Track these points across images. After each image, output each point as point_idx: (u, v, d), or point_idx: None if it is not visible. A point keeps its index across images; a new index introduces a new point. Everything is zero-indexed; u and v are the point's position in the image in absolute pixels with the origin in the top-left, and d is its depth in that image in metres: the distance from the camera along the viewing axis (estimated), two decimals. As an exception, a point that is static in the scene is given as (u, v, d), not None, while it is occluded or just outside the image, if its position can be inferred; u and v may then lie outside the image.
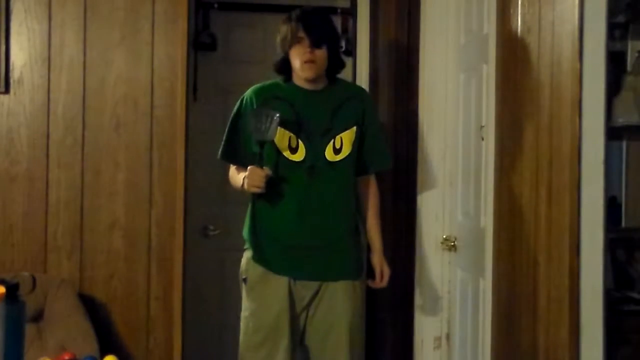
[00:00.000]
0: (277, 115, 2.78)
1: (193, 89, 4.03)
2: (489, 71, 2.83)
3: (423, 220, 3.50)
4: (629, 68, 2.89)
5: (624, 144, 2.99)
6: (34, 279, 2.71)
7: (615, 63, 2.78)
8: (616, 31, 2.89)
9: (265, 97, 2.93)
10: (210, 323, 4.21)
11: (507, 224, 2.65)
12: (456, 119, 3.35)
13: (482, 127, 2.95)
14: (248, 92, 2.98)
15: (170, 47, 3.33)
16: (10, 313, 1.88)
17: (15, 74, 3.28)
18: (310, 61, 2.87)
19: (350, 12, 4.13)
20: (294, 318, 2.87)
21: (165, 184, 3.32)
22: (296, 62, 2.89)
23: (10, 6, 3.27)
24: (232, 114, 2.97)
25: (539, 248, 2.42)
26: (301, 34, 2.88)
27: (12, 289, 1.89)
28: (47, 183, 3.29)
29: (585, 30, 2.18)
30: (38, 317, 3.05)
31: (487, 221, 2.80)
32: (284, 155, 2.88)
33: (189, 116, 3.39)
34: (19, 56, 3.28)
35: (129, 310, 3.32)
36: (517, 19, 2.58)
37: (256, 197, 2.90)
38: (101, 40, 3.32)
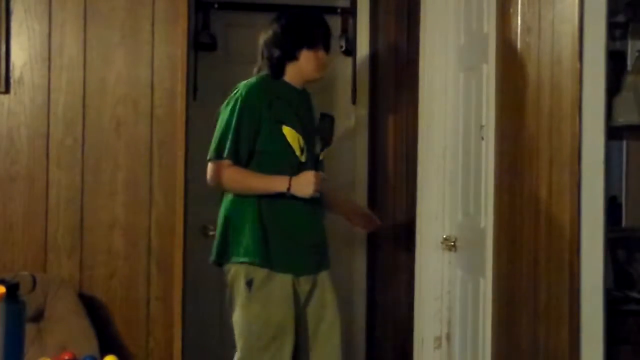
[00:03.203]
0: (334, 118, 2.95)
1: (193, 89, 4.03)
2: (489, 71, 2.83)
3: (423, 220, 3.50)
4: (629, 68, 2.89)
5: (624, 144, 2.99)
6: (34, 279, 2.70)
7: (615, 63, 2.78)
8: (616, 31, 2.89)
9: (270, 96, 2.94)
10: (210, 323, 4.21)
11: (507, 224, 2.65)
12: (456, 119, 3.35)
13: (482, 127, 2.95)
14: (250, 90, 2.92)
15: (170, 47, 3.32)
16: (10, 313, 1.88)
17: (15, 74, 3.28)
18: (324, 64, 2.99)
19: (350, 12, 4.13)
20: (297, 314, 2.92)
21: (165, 184, 3.32)
22: (311, 63, 2.96)
23: (10, 6, 3.26)
24: (233, 114, 2.90)
25: (539, 248, 2.42)
26: (325, 38, 3.00)
27: (12, 289, 1.89)
28: (47, 183, 3.29)
29: (585, 30, 2.19)
30: (38, 317, 3.05)
31: (487, 221, 2.80)
32: (296, 156, 2.94)
33: (189, 116, 3.39)
34: (19, 56, 3.28)
35: (129, 310, 3.31)
36: (517, 19, 2.58)
37: (265, 198, 2.89)
38: (101, 40, 3.32)
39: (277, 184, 2.88)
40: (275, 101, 2.93)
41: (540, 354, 2.40)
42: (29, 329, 2.59)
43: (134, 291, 3.31)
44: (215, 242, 3.01)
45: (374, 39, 3.98)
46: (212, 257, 3.02)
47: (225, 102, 2.97)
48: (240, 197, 2.92)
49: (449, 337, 3.42)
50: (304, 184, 2.87)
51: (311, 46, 2.96)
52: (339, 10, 4.24)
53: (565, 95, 2.26)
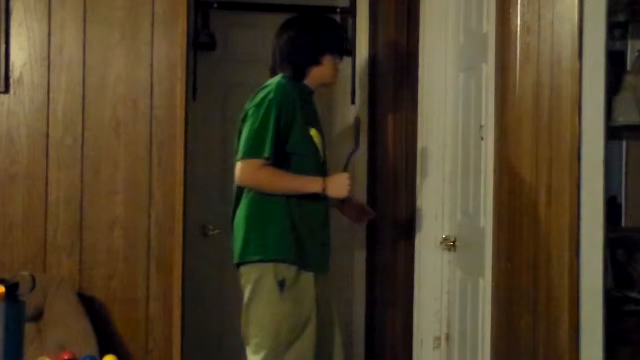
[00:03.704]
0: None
1: (193, 89, 4.03)
2: (489, 71, 2.83)
3: (423, 220, 3.50)
4: (629, 68, 2.89)
5: (624, 144, 2.99)
6: (33, 279, 2.70)
7: (615, 63, 2.78)
8: (616, 31, 2.88)
9: (299, 98, 2.96)
10: (210, 323, 4.21)
11: (507, 224, 2.65)
12: (456, 119, 3.35)
13: (482, 127, 2.96)
14: (283, 92, 2.91)
15: (170, 47, 3.32)
16: (10, 313, 1.88)
17: (15, 74, 3.28)
18: (339, 70, 3.11)
19: (350, 12, 4.13)
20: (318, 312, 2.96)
21: (165, 184, 3.32)
22: (331, 69, 3.05)
23: (10, 6, 3.26)
24: (269, 115, 2.87)
25: (539, 248, 2.42)
26: (344, 45, 3.16)
27: (12, 289, 1.89)
28: (47, 183, 3.29)
29: (585, 30, 2.19)
30: (38, 316, 3.05)
31: (487, 221, 2.80)
32: (320, 157, 3.01)
33: (189, 116, 3.39)
34: (19, 56, 3.28)
35: (128, 310, 3.31)
36: (517, 19, 2.58)
37: (293, 198, 2.91)
38: (101, 40, 3.32)
39: (312, 185, 2.91)
40: (303, 104, 2.97)
41: (540, 354, 2.40)
42: (29, 328, 2.59)
43: (134, 291, 3.31)
44: (238, 243, 2.95)
45: (373, 39, 3.98)
46: (237, 258, 2.97)
47: (256, 102, 2.92)
48: (267, 197, 2.90)
49: (448, 337, 3.42)
50: (340, 186, 2.92)
51: (333, 52, 3.05)
52: (338, 10, 4.23)
53: (565, 95, 2.26)
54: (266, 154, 2.83)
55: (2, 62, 3.25)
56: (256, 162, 2.84)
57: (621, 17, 2.86)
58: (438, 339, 3.45)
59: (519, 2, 2.57)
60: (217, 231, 4.21)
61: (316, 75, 3.04)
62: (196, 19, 4.09)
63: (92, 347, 2.92)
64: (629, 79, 2.77)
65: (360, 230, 3.89)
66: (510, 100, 2.63)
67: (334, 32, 3.12)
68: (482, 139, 2.93)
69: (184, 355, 3.32)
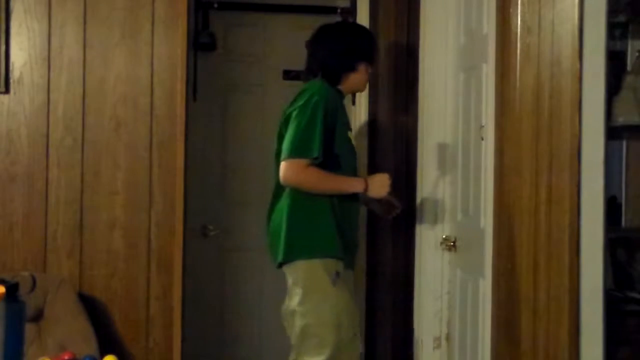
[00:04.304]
0: None
1: (193, 89, 4.03)
2: (489, 71, 2.83)
3: (423, 220, 3.50)
4: (629, 68, 2.89)
5: (624, 143, 2.99)
6: (34, 279, 2.71)
7: (615, 63, 2.78)
8: (616, 31, 2.88)
9: (339, 101, 3.06)
10: (210, 323, 4.21)
11: (507, 224, 2.65)
12: (456, 119, 3.35)
13: (482, 127, 2.95)
14: (327, 94, 2.95)
15: (170, 47, 3.33)
16: (10, 313, 1.88)
17: (15, 74, 3.28)
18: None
19: (350, 12, 4.13)
20: None
21: (165, 184, 3.32)
22: (364, 76, 3.14)
23: (10, 6, 3.27)
24: (315, 116, 2.89)
25: (539, 248, 2.42)
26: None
27: (12, 289, 1.89)
28: (47, 183, 3.29)
29: (585, 30, 2.18)
30: (38, 317, 3.05)
31: (487, 221, 2.80)
32: (355, 158, 3.11)
33: (189, 116, 3.39)
34: (19, 56, 3.28)
35: (128, 310, 3.31)
36: (517, 19, 2.58)
37: (336, 197, 2.95)
38: (101, 40, 3.32)
39: (354, 185, 2.97)
40: (342, 106, 3.06)
41: (540, 354, 2.40)
42: (29, 328, 2.59)
43: (134, 291, 3.31)
44: (281, 242, 2.94)
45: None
46: (280, 258, 2.96)
47: (300, 104, 2.92)
48: (311, 196, 2.92)
49: (448, 337, 3.42)
50: (381, 186, 2.99)
51: (367, 60, 3.13)
52: (339, 10, 4.24)
53: (565, 95, 2.26)
54: (314, 154, 2.85)
55: (2, 62, 3.25)
56: (302, 162, 2.85)
57: (621, 17, 2.85)
58: (438, 339, 3.45)
59: (519, 2, 2.57)
60: (217, 231, 4.22)
61: (350, 81, 3.10)
62: (196, 19, 4.09)
63: (92, 347, 2.92)
64: (629, 79, 2.77)
65: (360, 230, 3.89)
66: (510, 100, 2.63)
67: (369, 40, 3.20)
68: (482, 139, 2.93)
69: (184, 355, 3.32)
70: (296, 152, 2.86)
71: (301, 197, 2.93)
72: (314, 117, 2.88)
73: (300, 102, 2.93)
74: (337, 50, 3.08)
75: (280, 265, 2.99)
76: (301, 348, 2.93)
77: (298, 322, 2.92)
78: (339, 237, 2.95)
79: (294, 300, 2.95)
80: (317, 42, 3.13)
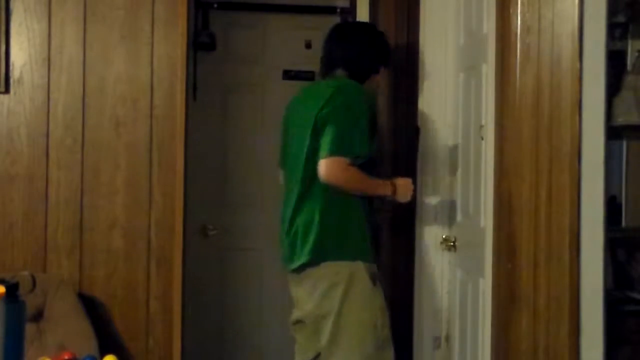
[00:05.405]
0: None
1: (193, 88, 4.03)
2: (489, 71, 2.83)
3: (423, 220, 3.50)
4: (629, 68, 2.89)
5: (624, 143, 2.98)
6: (33, 279, 2.72)
7: (615, 63, 2.78)
8: (616, 31, 2.88)
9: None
10: (210, 323, 4.21)
11: (507, 224, 2.65)
12: (456, 119, 3.35)
13: (482, 127, 2.95)
14: (362, 94, 2.96)
15: (170, 47, 3.32)
16: (10, 313, 1.88)
17: (15, 74, 3.28)
18: None
19: (350, 12, 4.13)
20: None
21: (164, 184, 3.32)
22: (379, 79, 3.24)
23: (10, 6, 3.27)
24: (360, 114, 2.89)
25: (539, 248, 2.42)
26: None
27: (12, 289, 1.89)
28: (47, 183, 3.29)
29: (585, 30, 2.18)
30: (38, 316, 3.05)
31: (487, 221, 2.80)
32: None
33: (189, 116, 3.39)
34: (19, 56, 3.28)
35: (128, 310, 3.31)
36: (517, 19, 2.58)
37: (364, 199, 2.95)
38: (101, 40, 3.32)
39: (383, 188, 2.98)
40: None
41: (540, 354, 2.40)
42: (29, 328, 2.59)
43: (134, 291, 3.31)
44: (310, 242, 2.89)
45: (373, 39, 3.97)
46: (305, 258, 2.90)
47: (339, 102, 2.90)
48: (345, 197, 2.89)
49: (448, 337, 3.42)
50: (406, 191, 3.02)
51: (387, 64, 3.24)
52: (338, 10, 4.24)
53: (565, 95, 2.26)
54: (359, 152, 2.85)
55: (2, 62, 3.25)
56: (343, 160, 2.83)
57: (621, 17, 2.85)
58: (438, 339, 3.45)
59: (519, 2, 2.57)
60: (216, 231, 4.22)
61: (371, 82, 3.16)
62: (196, 19, 4.09)
63: (92, 347, 2.92)
64: (629, 79, 2.77)
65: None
66: (510, 100, 2.63)
67: (388, 44, 3.27)
68: (482, 139, 2.93)
69: (184, 355, 3.32)
70: (339, 150, 2.83)
71: (335, 198, 2.89)
72: (359, 116, 2.88)
73: (338, 101, 2.90)
74: (370, 51, 3.12)
75: (302, 267, 2.91)
76: (336, 349, 2.88)
77: (333, 323, 2.87)
78: (370, 240, 2.96)
79: (328, 303, 2.87)
80: (345, 41, 3.13)
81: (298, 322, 3.04)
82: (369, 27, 3.36)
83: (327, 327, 2.88)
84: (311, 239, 2.88)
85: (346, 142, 2.85)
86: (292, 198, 2.96)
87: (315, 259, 2.89)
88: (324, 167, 2.82)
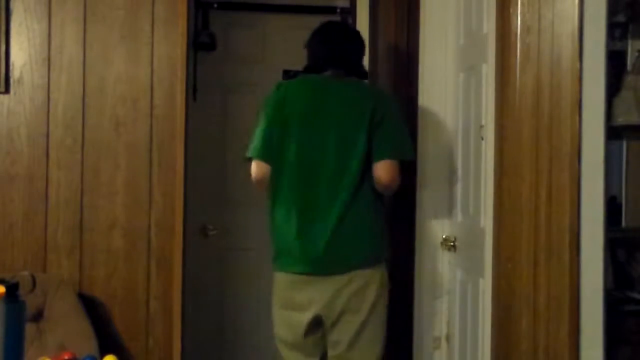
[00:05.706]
0: None
1: (193, 89, 4.03)
2: (489, 71, 2.83)
3: (423, 220, 3.50)
4: (629, 68, 2.89)
5: (624, 143, 2.98)
6: (33, 279, 2.71)
7: (615, 63, 2.78)
8: (616, 31, 2.88)
9: None
10: (210, 323, 4.21)
11: (507, 224, 2.65)
12: (456, 119, 3.35)
13: (482, 127, 2.95)
14: None
15: (170, 47, 3.33)
16: (10, 313, 1.88)
17: (15, 74, 3.28)
18: None
19: (350, 12, 4.13)
20: None
21: (164, 184, 3.32)
22: None
23: (10, 6, 3.27)
24: (402, 118, 3.03)
25: (539, 248, 2.42)
26: None
27: (12, 289, 1.89)
28: (47, 183, 3.29)
29: (585, 30, 2.18)
30: (38, 316, 3.05)
31: (487, 221, 2.80)
32: None
33: (189, 116, 3.39)
34: (19, 56, 3.28)
35: (128, 309, 3.32)
36: (517, 19, 2.58)
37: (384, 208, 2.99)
38: (101, 40, 3.32)
39: None
40: None
41: (540, 354, 2.40)
42: (29, 328, 2.59)
43: (134, 291, 3.32)
44: (365, 245, 2.91)
45: (373, 39, 3.98)
46: (362, 259, 2.89)
47: (389, 105, 2.96)
48: (379, 197, 2.95)
49: (448, 337, 3.42)
50: None
51: None
52: (338, 10, 4.24)
53: (565, 95, 2.26)
54: (412, 156, 2.99)
55: (2, 62, 3.25)
56: (397, 164, 2.92)
57: (621, 17, 2.85)
58: (438, 339, 3.45)
59: (519, 2, 2.57)
60: (216, 231, 4.22)
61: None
62: (196, 19, 4.09)
63: (92, 347, 2.92)
64: (629, 79, 2.77)
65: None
66: (510, 100, 2.63)
67: None
68: (482, 139, 2.93)
69: (184, 355, 3.32)
70: (397, 153, 2.91)
71: (374, 199, 2.92)
72: (403, 119, 3.00)
73: (387, 103, 2.97)
74: (363, 52, 3.16)
75: (350, 269, 2.88)
76: (358, 344, 2.92)
77: (361, 322, 2.90)
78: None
79: (359, 300, 2.88)
80: (351, 43, 3.12)
81: (309, 327, 2.96)
82: (354, 30, 3.42)
83: (353, 324, 2.90)
84: (368, 240, 2.91)
85: (406, 145, 2.95)
86: (321, 197, 2.87)
87: (375, 261, 2.92)
88: (387, 169, 2.87)
